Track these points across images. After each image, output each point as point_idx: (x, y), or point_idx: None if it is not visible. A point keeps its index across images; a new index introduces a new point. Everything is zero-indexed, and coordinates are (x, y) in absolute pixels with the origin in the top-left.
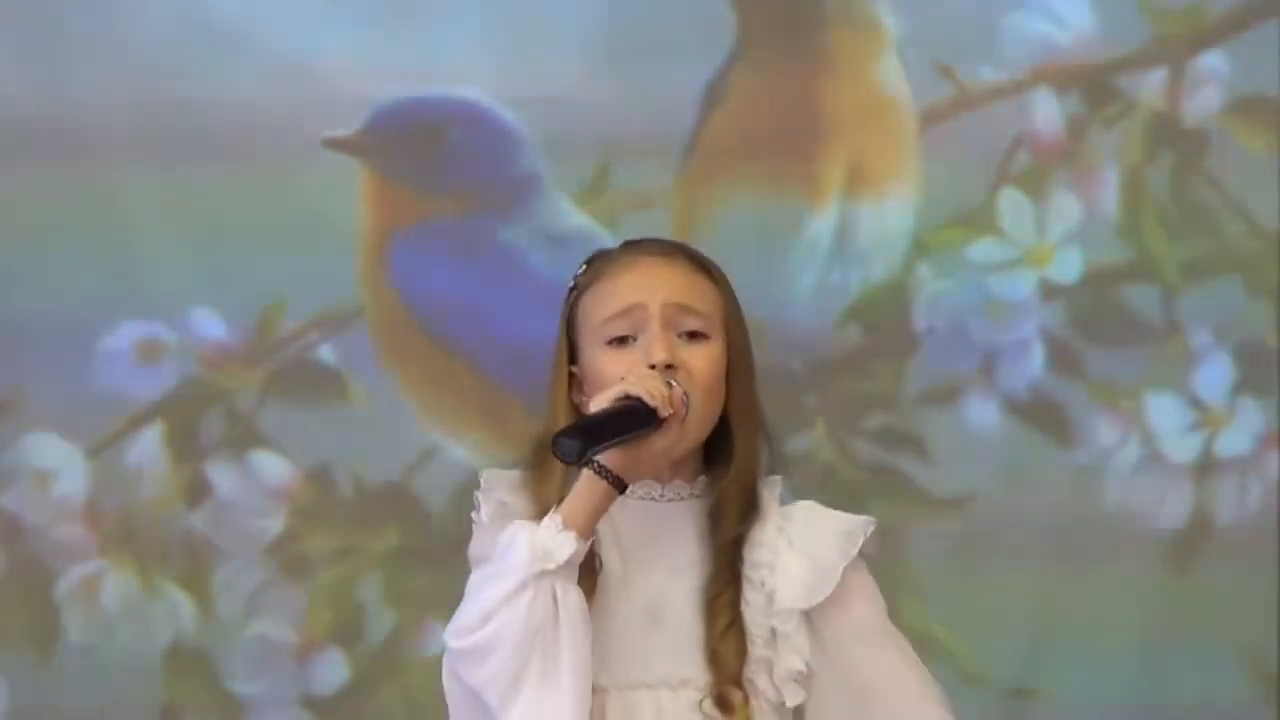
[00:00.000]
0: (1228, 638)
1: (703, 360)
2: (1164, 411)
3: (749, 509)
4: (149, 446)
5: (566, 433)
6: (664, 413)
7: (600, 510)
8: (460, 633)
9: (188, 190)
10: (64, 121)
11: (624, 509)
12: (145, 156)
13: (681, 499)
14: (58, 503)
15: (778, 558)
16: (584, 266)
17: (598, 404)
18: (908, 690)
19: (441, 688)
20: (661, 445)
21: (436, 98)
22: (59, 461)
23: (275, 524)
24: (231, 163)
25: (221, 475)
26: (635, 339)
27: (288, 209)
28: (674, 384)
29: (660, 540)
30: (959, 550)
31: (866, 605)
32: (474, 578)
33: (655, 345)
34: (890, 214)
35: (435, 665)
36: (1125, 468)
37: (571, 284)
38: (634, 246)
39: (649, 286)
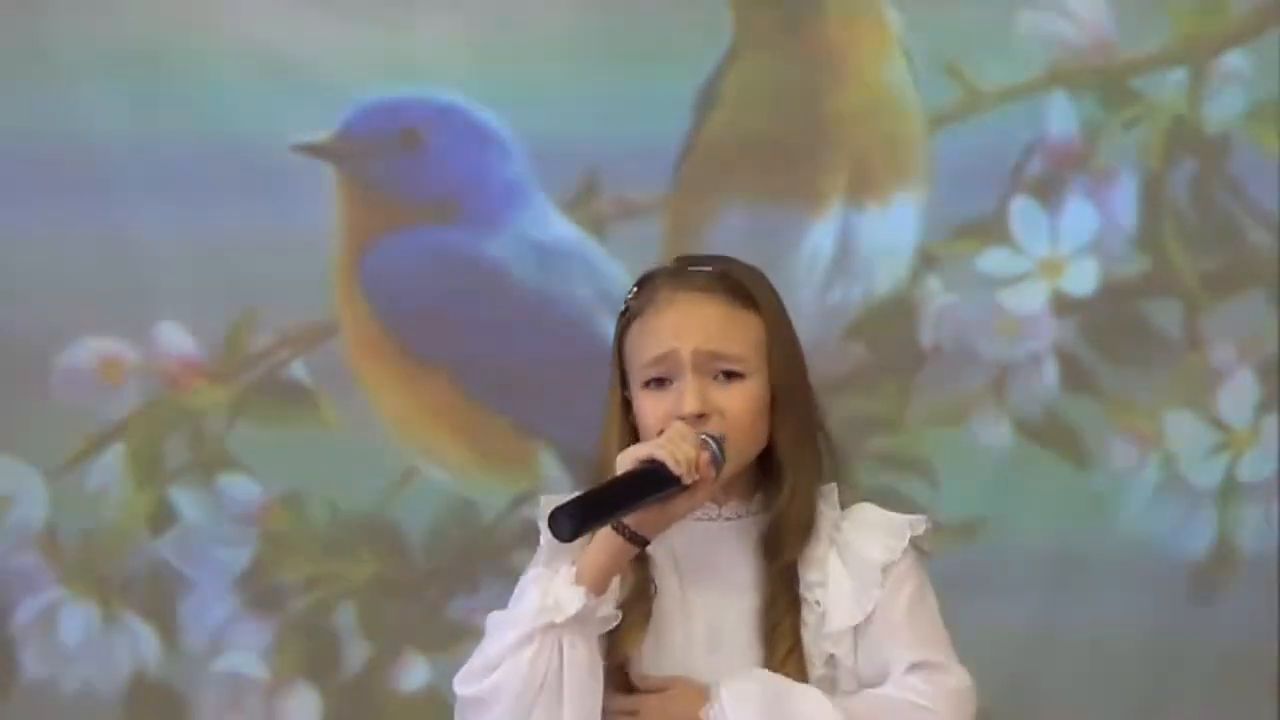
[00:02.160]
0: (1248, 673)
1: (737, 402)
2: (1184, 432)
3: (805, 532)
4: (111, 469)
5: (566, 509)
6: (688, 480)
7: (616, 566)
8: (466, 679)
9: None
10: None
11: (682, 530)
12: None
13: (739, 518)
14: (14, 529)
15: (828, 574)
16: (634, 289)
17: (623, 463)
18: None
19: None
20: (686, 507)
21: (414, 99)
22: (15, 485)
23: (244, 552)
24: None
25: (188, 500)
26: (672, 381)
27: (258, 217)
28: (708, 440)
29: (717, 561)
30: (963, 579)
31: (892, 586)
32: (488, 623)
33: (686, 396)
34: (895, 223)
35: (413, 701)
36: (1143, 492)
37: (624, 307)
38: (677, 278)
39: (683, 331)
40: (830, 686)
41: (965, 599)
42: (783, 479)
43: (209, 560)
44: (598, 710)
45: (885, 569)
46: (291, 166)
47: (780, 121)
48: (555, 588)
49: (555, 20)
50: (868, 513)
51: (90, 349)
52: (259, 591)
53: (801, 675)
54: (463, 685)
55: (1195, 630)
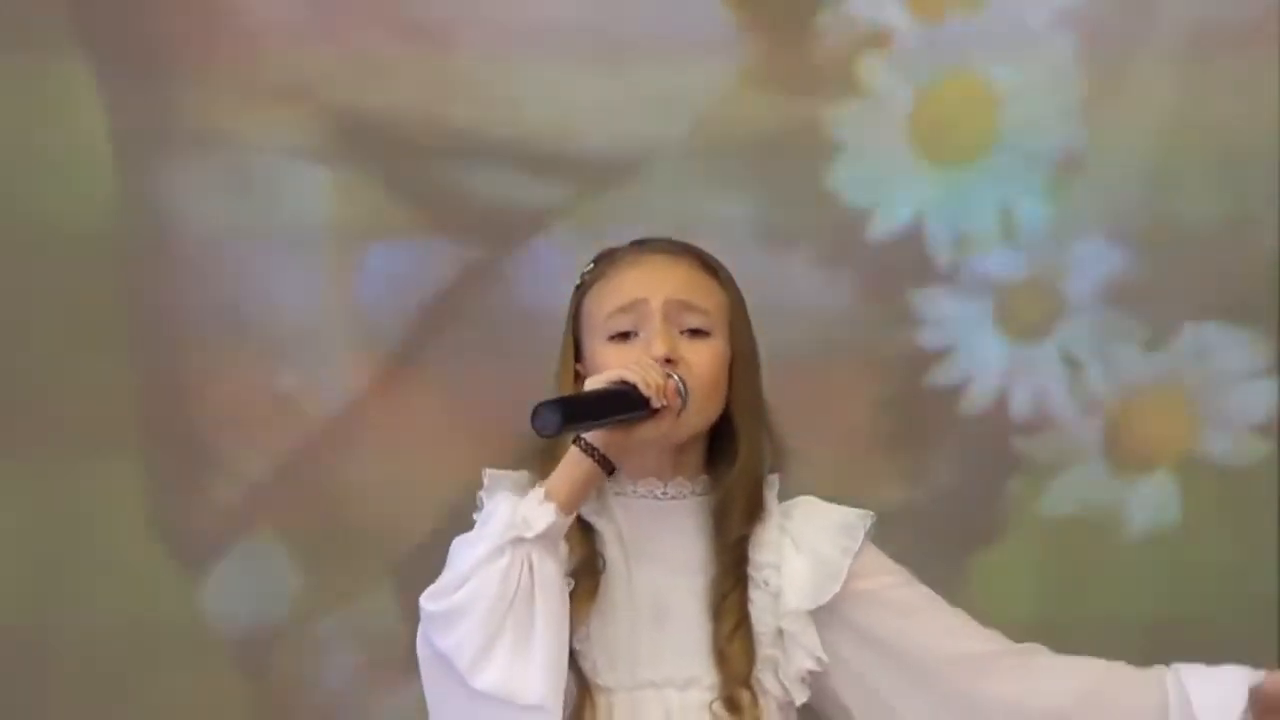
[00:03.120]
0: None
1: (703, 357)
2: None
3: (754, 508)
4: None
5: (549, 405)
6: (656, 403)
7: (584, 487)
8: (434, 596)
9: None
10: None
11: (626, 506)
12: None
13: (684, 497)
14: None
15: (782, 558)
16: (591, 264)
17: (593, 384)
18: (953, 632)
19: None
20: (651, 434)
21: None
22: None
23: None
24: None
25: None
26: (637, 334)
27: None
28: (673, 376)
29: (663, 538)
30: None
31: (886, 575)
32: (455, 543)
33: (655, 339)
34: None
35: None
36: None
37: (578, 281)
38: (641, 245)
39: (653, 282)
40: (774, 667)
41: None
42: (736, 450)
43: None
44: (566, 629)
45: (851, 566)
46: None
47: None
48: (524, 506)
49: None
50: (815, 504)
51: None
52: None
53: (749, 649)
54: (431, 601)
55: None
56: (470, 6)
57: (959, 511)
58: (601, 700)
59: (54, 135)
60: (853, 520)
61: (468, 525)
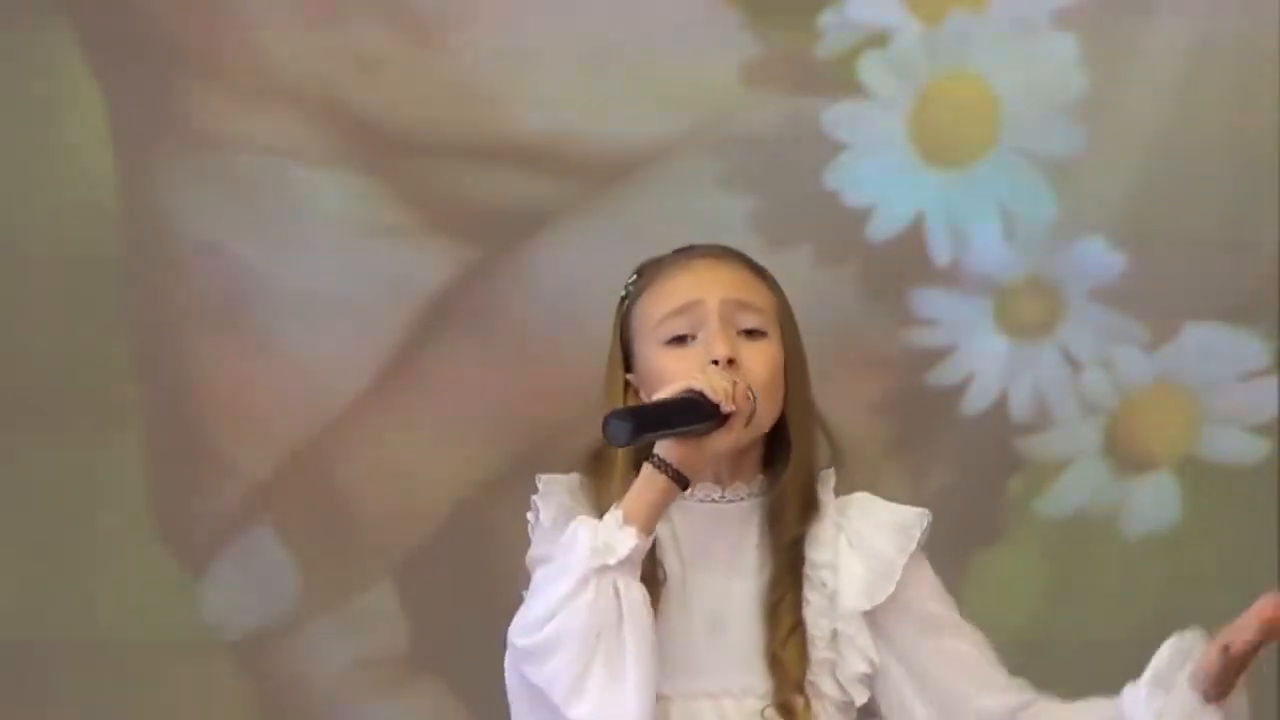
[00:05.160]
0: None
1: (763, 357)
2: None
3: (809, 507)
4: None
5: (619, 414)
6: (726, 409)
7: (661, 506)
8: (524, 631)
9: None
10: None
11: (684, 512)
12: None
13: (741, 500)
14: None
15: (839, 557)
16: (635, 275)
17: (660, 396)
18: (979, 674)
19: None
20: (723, 443)
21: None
22: None
23: None
24: None
25: None
26: (694, 337)
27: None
28: (739, 381)
29: (720, 543)
30: None
31: (929, 599)
32: (536, 576)
33: (717, 341)
34: None
35: None
36: None
37: (623, 293)
38: (686, 251)
39: (706, 284)
40: (831, 669)
41: None
42: (788, 450)
43: None
44: (655, 650)
45: (905, 567)
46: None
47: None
48: (604, 531)
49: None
50: (873, 502)
51: None
52: None
53: (803, 654)
54: (520, 636)
55: None
56: (470, 6)
57: (959, 511)
58: (658, 709)
59: (53, 132)
60: (910, 519)
61: (469, 524)
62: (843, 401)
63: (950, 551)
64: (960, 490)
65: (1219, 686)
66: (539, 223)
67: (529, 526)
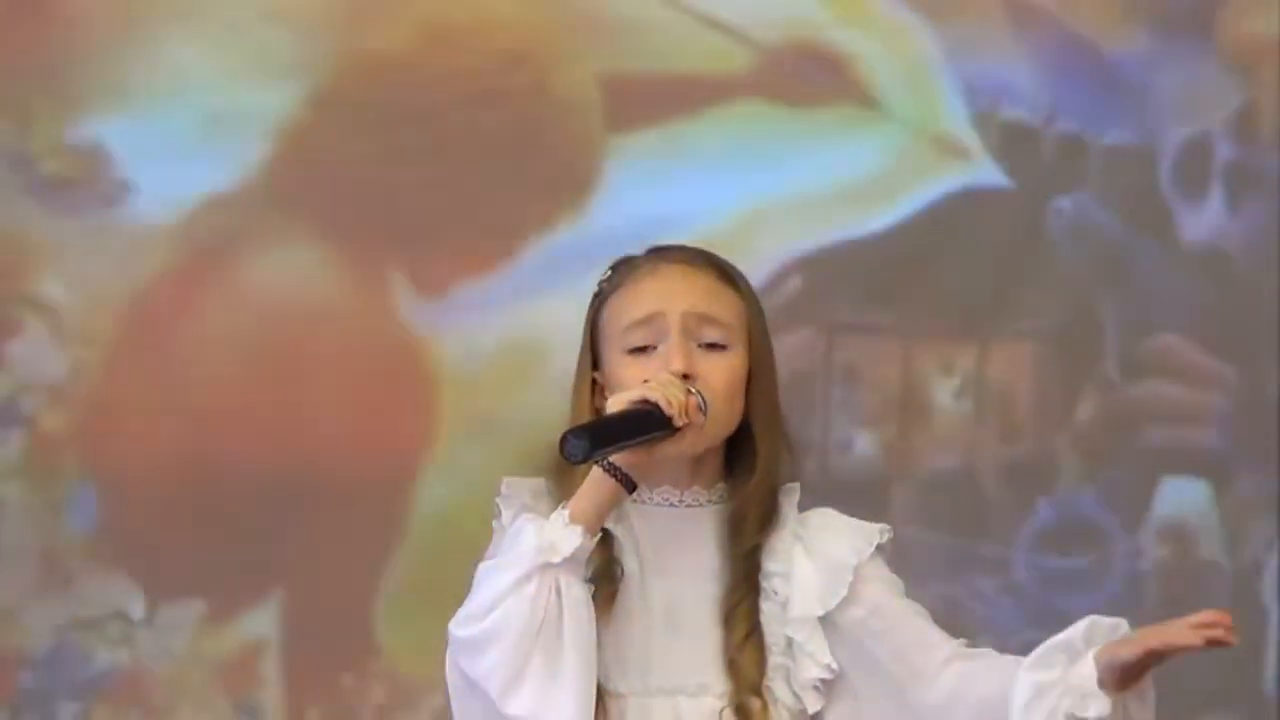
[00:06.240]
0: None
1: (721, 371)
2: None
3: (768, 518)
4: None
5: (576, 432)
6: (679, 422)
7: (608, 507)
8: (463, 622)
9: None
10: None
11: (643, 514)
12: None
13: (700, 505)
14: None
15: (793, 566)
16: (609, 272)
17: (615, 404)
18: (922, 643)
19: None
20: (673, 451)
21: None
22: None
23: None
24: None
25: None
26: (655, 347)
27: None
28: (694, 391)
29: (678, 545)
30: None
31: (878, 588)
32: (481, 568)
33: (674, 355)
34: None
35: None
36: None
37: (596, 289)
38: (659, 253)
39: (670, 295)
40: (785, 676)
41: None
42: (754, 460)
43: None
44: (595, 650)
45: (857, 568)
46: None
47: None
48: (550, 529)
49: None
50: (832, 515)
51: None
52: None
53: (760, 658)
54: (460, 627)
55: None
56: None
57: None
58: (613, 706)
59: None
60: (870, 531)
61: (468, 523)
62: None
63: None
64: None
65: (1121, 677)
66: (539, 223)
67: (493, 528)
